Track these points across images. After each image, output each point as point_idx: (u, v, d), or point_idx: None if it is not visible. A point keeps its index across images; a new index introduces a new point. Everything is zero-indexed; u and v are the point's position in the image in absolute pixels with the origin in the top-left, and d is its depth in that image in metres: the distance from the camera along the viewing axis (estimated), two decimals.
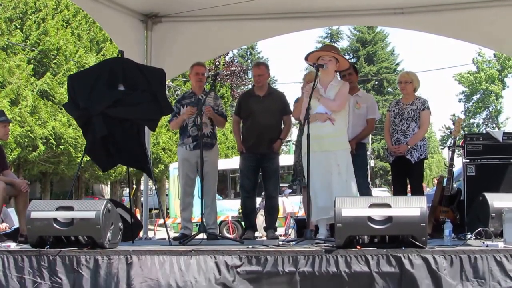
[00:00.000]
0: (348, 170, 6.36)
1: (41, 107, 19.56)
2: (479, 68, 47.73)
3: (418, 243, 4.95)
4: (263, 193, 9.52)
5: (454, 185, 7.60)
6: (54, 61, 20.82)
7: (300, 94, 7.09)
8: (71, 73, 17.45)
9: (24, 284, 5.35)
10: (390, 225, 5.00)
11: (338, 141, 6.35)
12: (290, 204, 18.22)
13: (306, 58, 6.52)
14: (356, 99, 7.49)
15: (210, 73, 20.51)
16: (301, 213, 7.56)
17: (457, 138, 7.54)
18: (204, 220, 6.77)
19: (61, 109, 19.42)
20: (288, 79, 68.62)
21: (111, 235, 5.52)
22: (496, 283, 4.77)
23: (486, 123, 49.27)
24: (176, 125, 7.76)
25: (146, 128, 7.21)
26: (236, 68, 34.88)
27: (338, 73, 6.92)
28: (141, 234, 8.01)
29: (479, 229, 5.53)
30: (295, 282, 5.00)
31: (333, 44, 43.49)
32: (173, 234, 8.21)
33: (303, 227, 6.94)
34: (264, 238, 9.14)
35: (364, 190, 7.19)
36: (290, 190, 19.07)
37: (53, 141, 19.89)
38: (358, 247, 5.06)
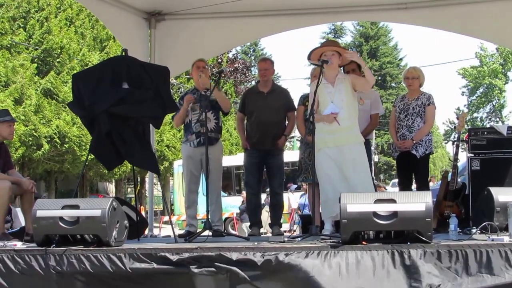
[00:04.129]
0: (364, 164, 6.31)
1: (45, 106, 19.62)
2: (482, 62, 47.59)
3: (423, 238, 4.95)
4: (268, 190, 9.52)
5: (459, 180, 7.59)
6: (57, 60, 20.87)
7: (303, 92, 7.08)
8: (75, 71, 17.51)
9: (30, 283, 5.36)
10: (395, 221, 5.00)
11: (353, 134, 6.29)
12: (295, 200, 18.22)
13: (309, 57, 6.49)
14: (359, 95, 7.43)
15: (214, 70, 20.52)
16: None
17: (461, 133, 7.54)
18: (209, 217, 6.78)
19: (65, 107, 19.47)
20: (292, 76, 68.43)
21: (117, 233, 5.52)
22: (501, 278, 4.76)
23: (489, 117, 49.15)
24: (179, 120, 7.66)
25: (151, 125, 7.22)
26: (239, 65, 34.86)
27: (341, 69, 6.90)
28: (146, 231, 8.03)
29: (484, 224, 5.52)
30: (301, 278, 5.00)
31: (336, 39, 43.42)
32: (178, 231, 8.21)
33: (308, 223, 6.95)
34: (269, 234, 9.14)
35: None
36: (296, 186, 19.03)
37: (58, 140, 19.95)
38: (364, 242, 5.06)
